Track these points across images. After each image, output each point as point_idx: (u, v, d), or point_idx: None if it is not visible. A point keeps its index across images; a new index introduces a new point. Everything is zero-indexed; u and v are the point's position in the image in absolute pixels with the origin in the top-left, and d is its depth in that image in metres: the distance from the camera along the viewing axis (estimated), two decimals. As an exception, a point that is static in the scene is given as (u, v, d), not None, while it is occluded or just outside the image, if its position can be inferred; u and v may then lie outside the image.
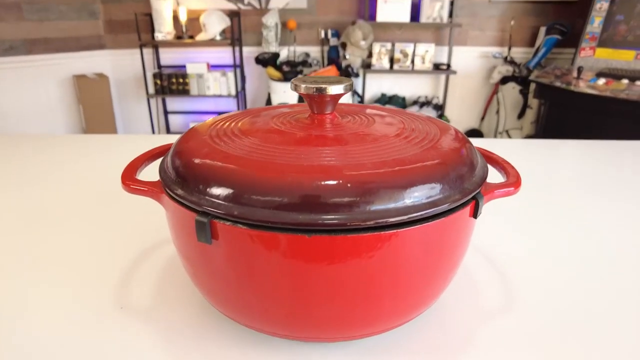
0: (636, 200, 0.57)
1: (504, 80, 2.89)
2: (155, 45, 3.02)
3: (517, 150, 0.78)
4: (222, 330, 0.33)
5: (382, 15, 2.76)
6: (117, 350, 0.31)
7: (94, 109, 2.88)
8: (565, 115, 2.09)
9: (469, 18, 2.94)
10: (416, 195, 0.25)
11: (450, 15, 2.82)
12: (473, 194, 0.28)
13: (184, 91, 2.92)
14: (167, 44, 2.98)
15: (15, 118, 2.67)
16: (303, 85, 0.32)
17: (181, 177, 0.28)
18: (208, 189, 0.26)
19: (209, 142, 0.30)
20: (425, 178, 0.26)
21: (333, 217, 0.24)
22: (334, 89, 0.32)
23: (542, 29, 2.85)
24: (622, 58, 2.07)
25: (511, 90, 3.01)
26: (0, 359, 0.30)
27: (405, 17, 2.77)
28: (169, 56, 3.08)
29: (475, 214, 0.29)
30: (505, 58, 2.87)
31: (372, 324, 0.29)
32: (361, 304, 0.27)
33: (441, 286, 0.31)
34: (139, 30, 2.83)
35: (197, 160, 0.28)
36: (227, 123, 0.34)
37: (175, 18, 2.86)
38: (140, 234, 0.47)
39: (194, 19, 2.90)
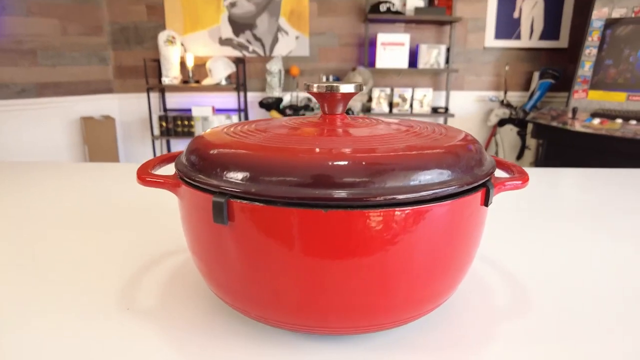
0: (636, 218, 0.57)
1: (502, 122, 2.97)
2: (162, 89, 3.12)
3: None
4: (231, 327, 0.33)
5: (381, 62, 2.88)
6: (123, 350, 0.30)
7: (98, 149, 2.93)
8: (563, 153, 2.13)
9: (465, 64, 3.07)
10: (429, 177, 0.26)
11: (447, 61, 2.94)
12: (483, 180, 0.29)
13: (188, 133, 2.99)
14: (173, 88, 3.09)
15: (21, 156, 2.71)
16: (315, 85, 0.34)
17: (198, 166, 0.29)
18: (226, 172, 0.27)
19: (224, 136, 0.31)
20: (437, 162, 0.27)
21: (349, 191, 0.24)
22: (344, 88, 0.33)
23: (536, 74, 2.96)
24: (614, 99, 2.14)
25: (509, 132, 3.07)
26: (6, 359, 0.30)
27: (404, 64, 2.89)
28: (175, 100, 3.18)
29: (486, 202, 0.30)
30: (502, 101, 2.96)
31: (388, 314, 0.28)
32: (377, 289, 0.27)
33: (456, 277, 0.31)
34: (147, 75, 2.95)
35: (214, 150, 0.29)
36: (239, 127, 0.35)
37: (182, 64, 2.98)
38: (145, 245, 0.47)
39: (201, 65, 3.02)
